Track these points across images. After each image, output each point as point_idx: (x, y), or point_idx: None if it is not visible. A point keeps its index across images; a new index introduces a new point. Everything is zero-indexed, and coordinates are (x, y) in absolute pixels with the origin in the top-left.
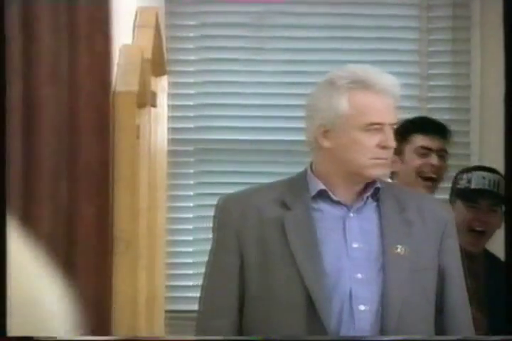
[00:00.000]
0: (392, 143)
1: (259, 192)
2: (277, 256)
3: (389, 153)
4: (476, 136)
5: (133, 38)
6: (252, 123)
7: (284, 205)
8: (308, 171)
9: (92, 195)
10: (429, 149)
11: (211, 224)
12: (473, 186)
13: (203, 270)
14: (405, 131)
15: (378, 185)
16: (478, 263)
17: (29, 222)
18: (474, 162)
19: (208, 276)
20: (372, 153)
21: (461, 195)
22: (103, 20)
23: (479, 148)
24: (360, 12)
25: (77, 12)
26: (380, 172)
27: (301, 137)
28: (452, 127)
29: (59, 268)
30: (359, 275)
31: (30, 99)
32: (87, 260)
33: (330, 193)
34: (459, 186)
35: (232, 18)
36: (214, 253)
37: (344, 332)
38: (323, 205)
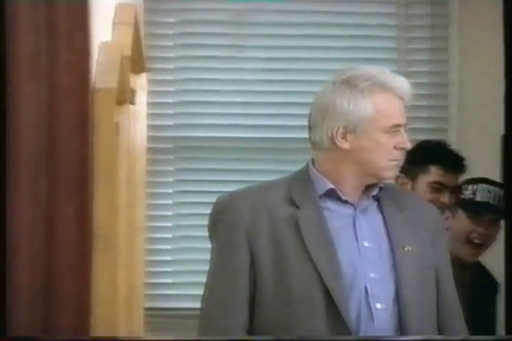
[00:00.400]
0: (409, 144)
1: (265, 191)
2: (293, 256)
3: (403, 155)
4: (454, 133)
5: (112, 35)
6: (231, 120)
7: (294, 204)
8: (313, 170)
9: (71, 192)
10: (443, 185)
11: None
12: (478, 198)
13: (181, 267)
14: (423, 159)
15: (382, 184)
16: (468, 274)
17: (8, 220)
18: None
19: (215, 276)
20: (391, 155)
21: (465, 205)
22: (82, 18)
23: (457, 144)
24: (339, 10)
25: (56, 9)
26: (393, 173)
27: (281, 134)
28: (429, 125)
29: (38, 266)
30: (372, 275)
31: (10, 96)
32: (67, 258)
33: (339, 192)
34: (463, 196)
35: (211, 15)
36: (221, 252)
37: (363, 331)
38: (330, 204)
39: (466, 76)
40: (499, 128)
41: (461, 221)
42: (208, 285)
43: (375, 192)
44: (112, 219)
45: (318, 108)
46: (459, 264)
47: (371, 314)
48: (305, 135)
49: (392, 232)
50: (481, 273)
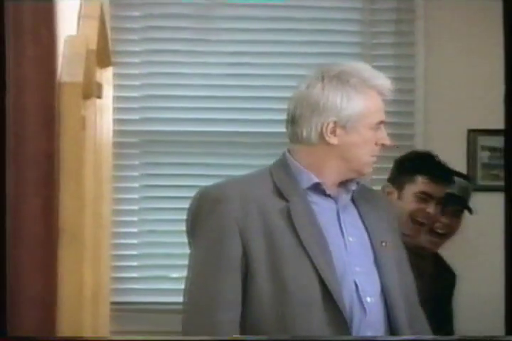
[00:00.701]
0: (389, 141)
1: (251, 183)
2: (286, 248)
3: (380, 151)
4: (420, 127)
5: (77, 29)
6: (197, 114)
7: (283, 197)
8: (295, 163)
9: (37, 186)
10: (430, 195)
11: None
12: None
13: (147, 262)
14: (411, 169)
15: (358, 180)
16: (428, 264)
17: None
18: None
19: (206, 268)
20: (373, 151)
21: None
22: (47, 11)
23: (423, 138)
24: (303, 4)
25: (21, 3)
26: (371, 169)
27: (247, 129)
28: (395, 119)
29: (3, 260)
30: (358, 269)
31: None
32: (33, 252)
33: (324, 187)
34: None
35: (176, 9)
36: (211, 244)
37: (357, 324)
38: (315, 198)
39: (432, 70)
40: (465, 122)
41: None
42: (196, 278)
43: (354, 187)
44: (78, 213)
45: (307, 103)
46: (420, 254)
47: (363, 308)
48: (271, 129)
49: (369, 227)
50: (440, 264)
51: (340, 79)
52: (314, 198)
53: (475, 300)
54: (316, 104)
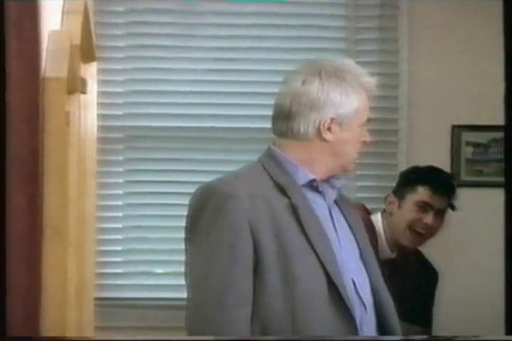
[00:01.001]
0: (370, 137)
1: (253, 179)
2: (296, 246)
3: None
4: (404, 123)
5: (61, 24)
6: (181, 110)
7: (285, 193)
8: (288, 159)
9: (21, 182)
10: (430, 206)
11: (143, 212)
12: None
13: (132, 257)
14: (413, 178)
15: (341, 177)
16: (410, 262)
17: None
18: (402, 150)
19: (218, 265)
20: (358, 148)
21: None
22: (31, 6)
23: (407, 134)
24: None
25: None
26: (354, 165)
27: (231, 124)
28: (379, 115)
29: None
30: (352, 266)
31: None
32: (18, 248)
33: (318, 183)
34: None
35: (161, 4)
36: (222, 242)
37: (359, 321)
38: (310, 195)
39: (416, 66)
40: (449, 118)
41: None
42: (208, 276)
43: (339, 184)
44: (62, 209)
45: (306, 99)
46: (401, 252)
47: (363, 304)
48: (256, 125)
49: (352, 225)
50: (421, 261)
51: (338, 76)
52: (309, 195)
53: (458, 296)
54: (315, 100)
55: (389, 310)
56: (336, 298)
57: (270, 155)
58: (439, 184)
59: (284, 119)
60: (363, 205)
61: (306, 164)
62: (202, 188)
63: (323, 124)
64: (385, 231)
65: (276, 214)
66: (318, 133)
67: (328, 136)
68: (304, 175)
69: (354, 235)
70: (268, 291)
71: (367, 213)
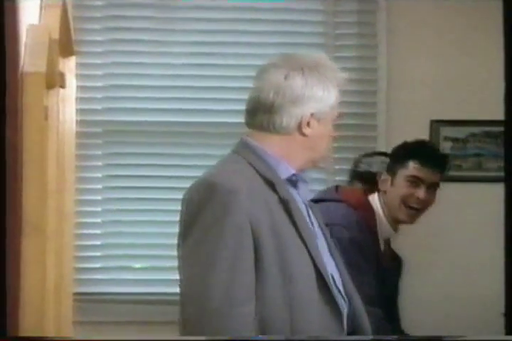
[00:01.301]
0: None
1: (244, 174)
2: (291, 242)
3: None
4: (382, 117)
5: (40, 18)
6: (160, 104)
7: (274, 188)
8: (268, 152)
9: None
10: (421, 180)
11: (122, 206)
12: (373, 170)
13: (110, 252)
14: (404, 154)
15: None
16: (386, 247)
17: None
18: (381, 145)
19: (223, 263)
20: (330, 143)
21: (361, 177)
22: (9, 0)
23: (386, 129)
24: None
25: None
26: (326, 160)
27: (209, 119)
28: (358, 110)
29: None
30: (326, 260)
31: None
32: None
33: (298, 178)
34: (359, 169)
35: None
36: (227, 239)
37: (344, 314)
38: (290, 189)
39: (395, 61)
40: (427, 113)
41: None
42: (214, 271)
43: (308, 179)
44: (41, 203)
45: (290, 94)
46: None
47: (343, 297)
48: (234, 119)
49: (318, 219)
50: (392, 251)
51: (319, 71)
52: (290, 189)
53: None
54: (299, 95)
55: (358, 301)
56: (326, 294)
57: (249, 149)
58: (428, 157)
59: (265, 113)
60: (362, 189)
61: (284, 158)
62: (202, 184)
63: (305, 119)
64: (383, 209)
65: (271, 210)
66: (299, 127)
67: (307, 130)
68: (285, 170)
69: (322, 230)
70: (268, 288)
71: (365, 195)
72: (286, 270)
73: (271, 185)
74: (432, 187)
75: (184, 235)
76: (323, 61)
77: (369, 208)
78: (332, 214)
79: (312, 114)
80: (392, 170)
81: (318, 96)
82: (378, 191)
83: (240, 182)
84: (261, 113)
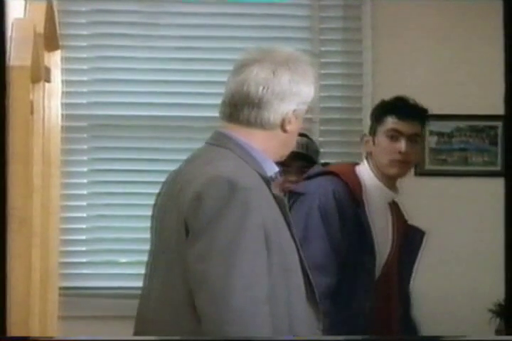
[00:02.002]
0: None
1: (248, 170)
2: (288, 241)
3: None
4: (368, 112)
5: (25, 12)
6: (145, 99)
7: (269, 186)
8: (254, 148)
9: None
10: (400, 133)
11: (107, 201)
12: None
13: (96, 246)
14: (380, 111)
15: None
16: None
17: None
18: None
19: (244, 259)
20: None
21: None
22: None
23: None
24: None
25: None
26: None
27: (194, 113)
28: (344, 104)
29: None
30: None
31: None
32: None
33: (279, 175)
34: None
35: None
36: (246, 234)
37: None
38: (273, 185)
39: (380, 55)
40: None
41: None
42: (237, 270)
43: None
44: (26, 198)
45: (278, 89)
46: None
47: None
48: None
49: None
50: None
51: (303, 67)
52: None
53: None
54: (287, 91)
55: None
56: (310, 291)
57: (234, 143)
58: (403, 109)
59: (253, 108)
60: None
61: (267, 154)
62: (217, 180)
63: (288, 115)
64: (375, 174)
65: (271, 207)
66: (282, 123)
67: (288, 126)
68: (270, 167)
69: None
70: (273, 287)
71: (351, 166)
72: (285, 268)
73: (266, 182)
74: (413, 140)
75: (200, 230)
76: (303, 57)
77: (355, 178)
78: (313, 184)
79: (294, 110)
80: (372, 130)
81: (302, 93)
82: (366, 158)
83: (252, 180)
84: (247, 108)
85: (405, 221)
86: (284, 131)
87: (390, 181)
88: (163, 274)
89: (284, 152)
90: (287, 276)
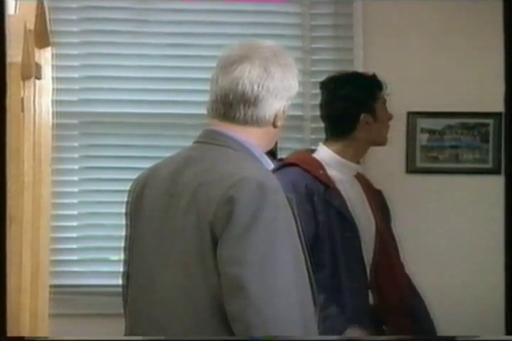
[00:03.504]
0: None
1: (263, 169)
2: (297, 240)
3: None
4: None
5: (15, 9)
6: (136, 96)
7: None
8: (255, 146)
9: None
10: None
11: (98, 198)
12: None
13: (87, 244)
14: (372, 89)
15: None
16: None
17: None
18: None
19: (285, 262)
20: None
21: None
22: None
23: None
24: None
25: None
26: None
27: (186, 110)
28: None
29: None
30: None
31: None
32: None
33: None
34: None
35: None
36: (282, 236)
37: None
38: None
39: (371, 52)
40: (404, 105)
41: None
42: (280, 274)
43: None
44: (17, 195)
45: (272, 86)
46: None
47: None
48: None
49: None
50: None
51: (290, 63)
52: None
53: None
54: (279, 87)
55: None
56: (311, 287)
57: (234, 141)
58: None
59: (248, 106)
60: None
61: (260, 150)
62: (248, 182)
63: (280, 111)
64: (337, 152)
65: (289, 210)
66: (274, 120)
67: (279, 122)
68: (267, 163)
69: None
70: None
71: (308, 152)
72: (299, 270)
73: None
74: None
75: (235, 234)
76: (284, 49)
77: (314, 161)
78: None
79: (284, 106)
80: (368, 110)
81: (292, 87)
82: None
83: (275, 180)
84: (243, 106)
85: (375, 189)
86: (275, 126)
87: (356, 157)
88: (177, 277)
89: (271, 146)
90: (300, 275)
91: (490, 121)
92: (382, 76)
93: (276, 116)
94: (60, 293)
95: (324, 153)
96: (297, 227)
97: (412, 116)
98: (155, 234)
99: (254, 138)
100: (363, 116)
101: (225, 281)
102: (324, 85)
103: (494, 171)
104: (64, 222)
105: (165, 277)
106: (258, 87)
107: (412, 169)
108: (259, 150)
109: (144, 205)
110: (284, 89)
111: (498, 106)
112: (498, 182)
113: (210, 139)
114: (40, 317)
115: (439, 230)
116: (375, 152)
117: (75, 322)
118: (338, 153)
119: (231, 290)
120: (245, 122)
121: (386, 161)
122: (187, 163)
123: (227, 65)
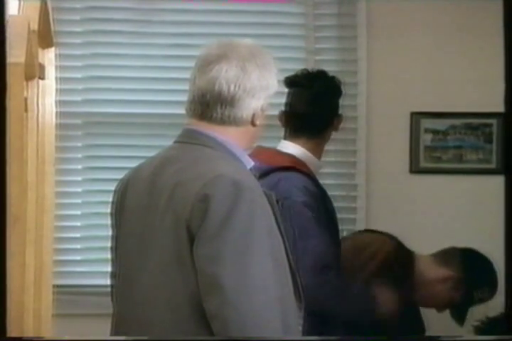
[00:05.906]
0: None
1: (239, 167)
2: (279, 240)
3: None
4: (363, 109)
5: (19, 9)
6: (140, 96)
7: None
8: (233, 145)
9: None
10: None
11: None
12: None
13: (90, 244)
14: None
15: None
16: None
17: None
18: (362, 137)
19: (259, 260)
20: None
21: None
22: None
23: (366, 121)
24: None
25: None
26: None
27: None
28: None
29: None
30: None
31: None
32: None
33: (254, 169)
34: None
35: None
36: (259, 234)
37: None
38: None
39: (375, 52)
40: (408, 105)
41: None
42: (257, 272)
43: None
44: (21, 195)
45: (249, 86)
46: None
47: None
48: None
49: None
50: None
51: (268, 61)
52: None
53: None
54: (257, 87)
55: None
56: (294, 283)
57: (213, 141)
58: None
59: (225, 106)
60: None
61: (240, 149)
62: (222, 180)
63: (258, 111)
64: (306, 148)
65: (268, 207)
66: (252, 119)
67: (258, 121)
68: (247, 161)
69: None
70: None
71: (281, 154)
72: (278, 263)
73: (254, 176)
74: None
75: (210, 232)
76: (262, 48)
77: (303, 164)
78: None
79: (262, 105)
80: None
81: (269, 86)
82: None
83: (251, 178)
84: (220, 106)
85: None
86: (254, 125)
87: (320, 156)
88: (156, 276)
89: (252, 144)
90: (279, 272)
91: (493, 121)
92: (386, 75)
93: (254, 115)
94: (64, 293)
95: (298, 152)
96: (278, 224)
97: (416, 116)
98: (136, 234)
99: (233, 137)
100: (337, 115)
101: (202, 279)
102: (295, 83)
103: (498, 171)
104: (68, 222)
105: (144, 276)
106: (235, 86)
107: (415, 169)
108: (239, 149)
109: (127, 205)
110: (261, 88)
111: (502, 106)
112: (501, 182)
113: (189, 139)
114: (44, 317)
115: (442, 230)
116: (378, 152)
117: (78, 323)
118: (312, 152)
119: (208, 288)
120: (223, 122)
121: (389, 161)
122: (166, 162)
123: (205, 64)
